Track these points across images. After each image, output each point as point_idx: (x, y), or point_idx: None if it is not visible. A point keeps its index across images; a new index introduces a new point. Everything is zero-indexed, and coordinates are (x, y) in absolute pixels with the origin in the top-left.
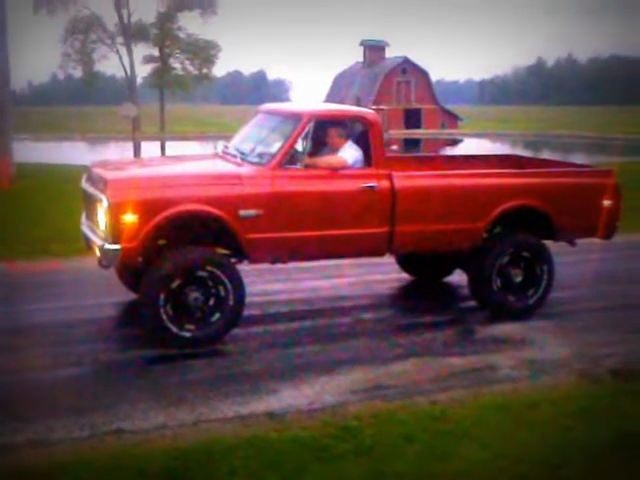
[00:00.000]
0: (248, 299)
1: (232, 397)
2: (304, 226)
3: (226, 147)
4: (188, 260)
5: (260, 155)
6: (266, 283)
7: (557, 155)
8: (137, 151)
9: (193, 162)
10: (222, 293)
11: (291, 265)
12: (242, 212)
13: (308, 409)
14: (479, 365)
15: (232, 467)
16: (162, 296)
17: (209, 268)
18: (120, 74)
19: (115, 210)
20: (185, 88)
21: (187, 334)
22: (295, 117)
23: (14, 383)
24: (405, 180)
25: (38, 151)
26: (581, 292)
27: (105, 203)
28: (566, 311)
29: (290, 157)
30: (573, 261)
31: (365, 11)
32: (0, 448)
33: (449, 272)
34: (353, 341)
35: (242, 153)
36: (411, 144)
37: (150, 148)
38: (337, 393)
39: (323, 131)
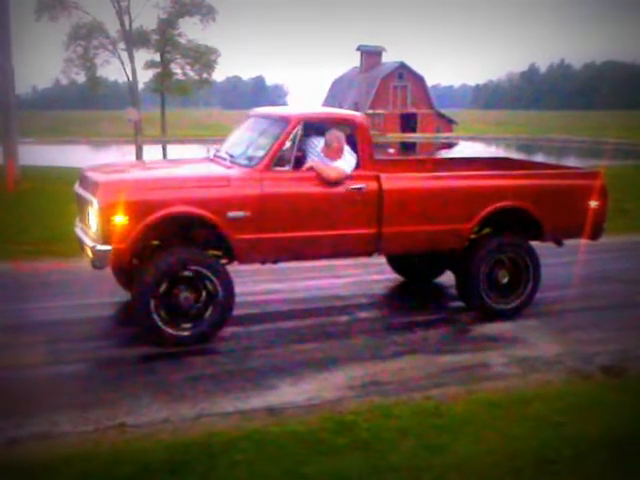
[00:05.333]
0: (248, 298)
1: (232, 393)
2: (292, 227)
3: (218, 151)
4: (169, 263)
5: (249, 158)
6: (265, 283)
7: (550, 158)
8: (139, 154)
9: (184, 165)
10: (210, 288)
11: (289, 265)
12: (230, 214)
13: (307, 404)
14: (472, 362)
15: (233, 460)
16: (152, 302)
17: (192, 267)
18: (122, 79)
19: (105, 212)
20: (186, 93)
21: (185, 333)
22: (283, 120)
23: (20, 379)
24: (393, 182)
25: (42, 154)
26: (572, 292)
27: (96, 205)
28: (557, 310)
29: (278, 159)
30: (563, 262)
31: (362, 18)
32: (6, 442)
33: (439, 273)
34: (350, 339)
35: (232, 156)
36: (407, 147)
37: (152, 151)
38: (335, 389)
39: (314, 134)
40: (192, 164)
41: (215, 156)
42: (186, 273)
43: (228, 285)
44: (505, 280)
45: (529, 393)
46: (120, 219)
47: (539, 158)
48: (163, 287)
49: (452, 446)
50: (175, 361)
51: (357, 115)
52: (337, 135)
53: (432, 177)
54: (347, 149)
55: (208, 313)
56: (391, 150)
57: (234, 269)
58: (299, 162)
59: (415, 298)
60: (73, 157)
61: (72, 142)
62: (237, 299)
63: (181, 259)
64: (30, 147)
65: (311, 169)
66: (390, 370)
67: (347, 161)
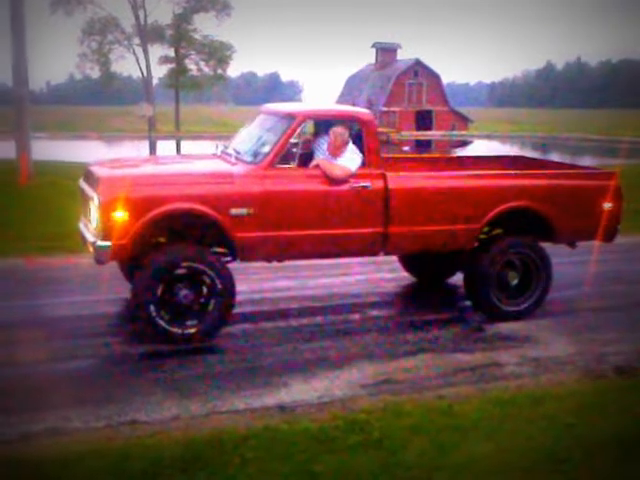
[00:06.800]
0: (260, 296)
1: (244, 390)
2: (296, 225)
3: (226, 147)
4: (159, 266)
5: (254, 154)
6: (277, 280)
7: (565, 157)
8: (152, 150)
9: (189, 162)
10: (208, 282)
11: (301, 263)
12: (233, 211)
13: (318, 402)
14: (485, 362)
15: (243, 458)
16: (152, 307)
17: (184, 264)
18: (136, 74)
19: (106, 207)
20: (200, 88)
21: (192, 330)
22: (289, 117)
23: (32, 374)
24: (399, 180)
25: (55, 149)
26: (585, 291)
27: (96, 200)
28: (570, 309)
29: (283, 156)
30: (576, 261)
31: (378, 14)
32: (18, 437)
33: (450, 273)
34: (362, 337)
35: (238, 152)
36: (422, 145)
37: (166, 147)
38: (347, 387)
39: (322, 132)
40: (198, 160)
41: (222, 152)
42: (180, 271)
43: (226, 276)
44: (515, 282)
45: (542, 393)
46: (120, 215)
47: (554, 157)
48: (160, 289)
49: (464, 445)
50: (186, 358)
51: (364, 112)
52: (339, 131)
53: (439, 176)
54: (353, 147)
55: (211, 306)
56: (406, 148)
57: (246, 266)
58: (307, 160)
59: (428, 297)
60: (86, 152)
61: (85, 137)
62: (248, 296)
63: (171, 259)
64: (43, 142)
65: (317, 167)
66: (402, 369)
67: (352, 159)
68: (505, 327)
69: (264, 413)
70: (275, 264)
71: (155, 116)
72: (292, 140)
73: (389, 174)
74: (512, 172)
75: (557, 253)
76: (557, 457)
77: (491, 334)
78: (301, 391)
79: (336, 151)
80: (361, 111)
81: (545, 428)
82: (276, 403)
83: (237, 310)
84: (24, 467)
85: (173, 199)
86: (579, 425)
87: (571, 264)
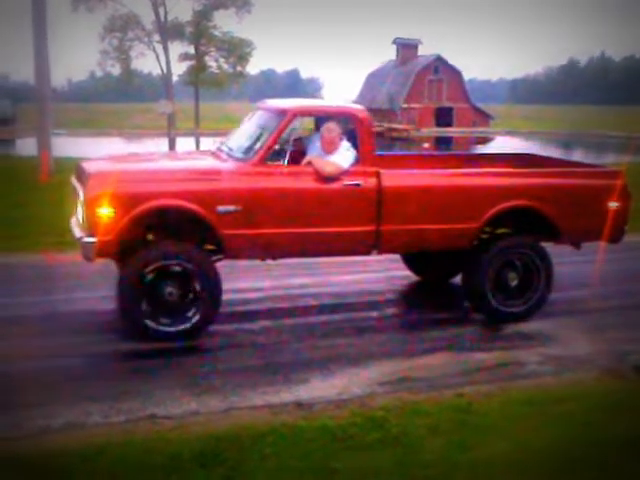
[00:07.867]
0: (278, 293)
1: (262, 387)
2: (284, 223)
3: (221, 144)
4: (129, 279)
5: (245, 151)
6: (295, 277)
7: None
8: (172, 146)
9: (181, 158)
10: (181, 270)
11: (318, 260)
12: (220, 208)
13: (336, 399)
14: (505, 360)
15: (262, 454)
16: (147, 321)
17: (150, 269)
18: (157, 71)
19: (91, 203)
20: (220, 86)
21: (195, 319)
22: (280, 113)
23: (53, 369)
24: (393, 178)
25: (76, 146)
26: (603, 290)
27: (83, 196)
28: (590, 309)
29: (276, 153)
30: (592, 260)
31: (398, 10)
32: (39, 431)
33: (456, 273)
34: (381, 334)
35: (230, 149)
36: (443, 142)
37: (185, 143)
38: (365, 384)
39: (316, 129)
40: (190, 157)
41: (218, 149)
42: (149, 277)
43: (198, 256)
44: (514, 282)
45: (561, 392)
46: (106, 211)
47: (577, 154)
48: (144, 301)
49: (482, 443)
50: (205, 354)
51: (358, 109)
52: (332, 128)
53: (435, 174)
54: (347, 144)
55: (199, 291)
56: (426, 144)
57: (262, 264)
58: (302, 157)
59: (446, 295)
60: (106, 149)
61: (105, 134)
62: (267, 293)
63: (134, 272)
64: (63, 139)
65: (309, 164)
66: (421, 366)
67: (345, 156)
68: (525, 326)
69: (283, 410)
70: (291, 261)
71: (175, 113)
72: (284, 136)
73: (383, 171)
74: (511, 170)
75: (571, 252)
76: (576, 456)
77: (510, 332)
78: (319, 388)
79: (329, 148)
80: (355, 108)
81: (565, 427)
82: (294, 400)
83: (256, 307)
84: (45, 460)
85: (159, 195)
86: (599, 424)
87: (586, 262)
